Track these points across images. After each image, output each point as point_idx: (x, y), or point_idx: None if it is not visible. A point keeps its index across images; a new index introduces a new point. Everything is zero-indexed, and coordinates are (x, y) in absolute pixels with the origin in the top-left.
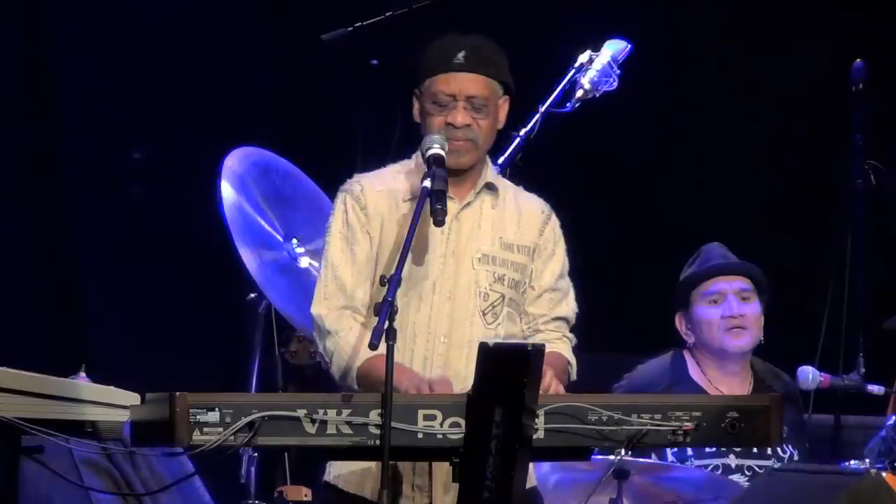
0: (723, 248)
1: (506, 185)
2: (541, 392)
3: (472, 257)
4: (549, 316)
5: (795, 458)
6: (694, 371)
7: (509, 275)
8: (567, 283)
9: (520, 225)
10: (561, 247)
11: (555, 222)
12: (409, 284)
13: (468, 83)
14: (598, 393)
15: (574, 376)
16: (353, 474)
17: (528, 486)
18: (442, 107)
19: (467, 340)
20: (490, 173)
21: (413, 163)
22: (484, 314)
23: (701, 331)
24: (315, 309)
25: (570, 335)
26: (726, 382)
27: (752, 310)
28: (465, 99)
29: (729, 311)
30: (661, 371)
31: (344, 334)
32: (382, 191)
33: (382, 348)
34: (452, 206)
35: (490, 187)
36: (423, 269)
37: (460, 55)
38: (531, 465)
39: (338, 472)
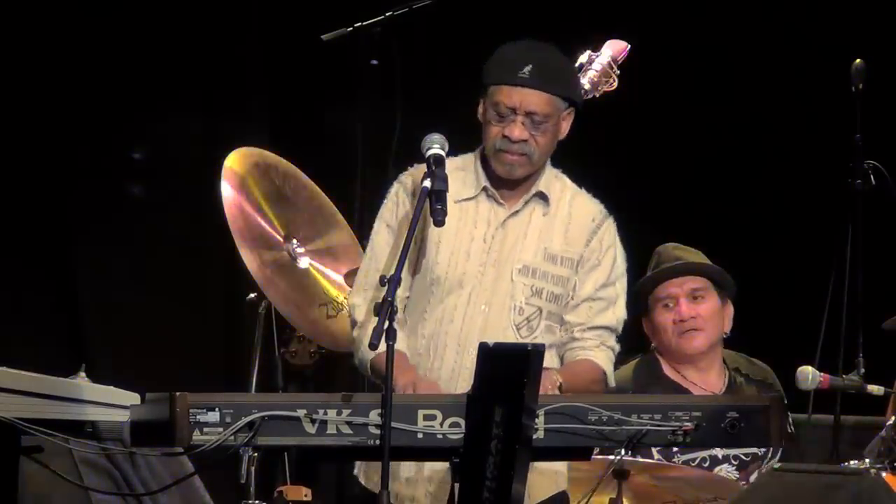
0: (677, 248)
1: (564, 188)
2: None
3: (513, 268)
4: (588, 324)
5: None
6: (668, 370)
7: (549, 288)
8: (615, 292)
9: (567, 235)
10: (610, 255)
11: (606, 230)
12: (444, 290)
13: (530, 99)
14: None
15: (612, 383)
16: (376, 471)
17: (556, 490)
18: (502, 117)
19: None
20: (544, 181)
21: (473, 160)
22: (518, 328)
23: (658, 335)
24: (352, 298)
25: (613, 344)
26: (699, 378)
27: (707, 308)
28: (524, 114)
29: (679, 314)
30: (631, 374)
31: (367, 326)
32: None
33: (372, 350)
34: (501, 213)
35: (541, 196)
36: (461, 276)
37: (526, 69)
38: (563, 467)
39: (363, 467)
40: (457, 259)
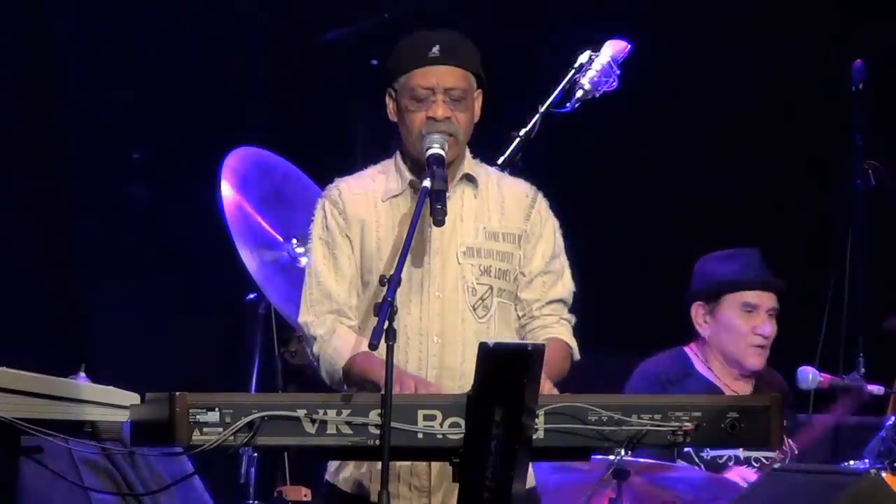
0: (760, 257)
1: (488, 172)
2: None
3: (458, 251)
4: (544, 300)
5: (795, 452)
6: (700, 366)
7: (496, 265)
8: (561, 264)
9: (504, 212)
10: (550, 227)
11: (541, 204)
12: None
13: (445, 76)
14: (598, 393)
15: (577, 356)
16: (354, 475)
17: (526, 486)
18: (420, 101)
19: (460, 338)
20: (468, 164)
21: (392, 163)
22: (474, 309)
23: (725, 334)
24: (302, 317)
25: (569, 316)
26: (731, 380)
27: (775, 330)
28: (443, 92)
29: (762, 329)
30: (666, 366)
31: (329, 337)
32: (360, 194)
33: (358, 346)
34: None
35: (469, 178)
36: (409, 270)
37: (435, 49)
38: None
39: (338, 471)
40: (398, 254)
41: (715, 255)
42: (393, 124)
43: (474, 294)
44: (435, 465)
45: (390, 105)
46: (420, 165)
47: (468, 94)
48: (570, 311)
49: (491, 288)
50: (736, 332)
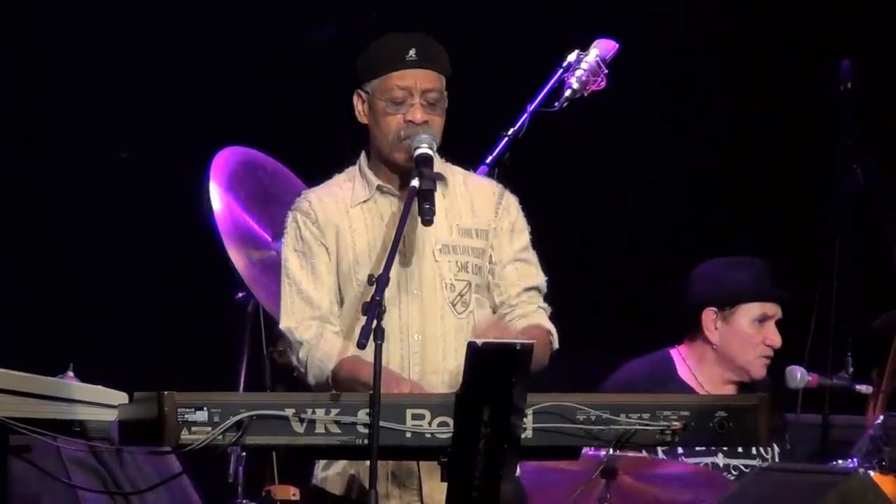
0: (769, 267)
1: (453, 171)
2: None
3: (433, 249)
4: (520, 286)
5: (776, 458)
6: (683, 371)
7: (472, 261)
8: (532, 255)
9: (473, 209)
10: (520, 222)
11: (509, 200)
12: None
13: (423, 78)
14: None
15: (556, 345)
16: (338, 476)
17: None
18: (398, 104)
19: (441, 335)
20: (437, 164)
21: (357, 169)
22: (453, 305)
23: (736, 343)
24: (284, 324)
25: (545, 304)
26: (718, 386)
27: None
28: (420, 94)
29: (773, 342)
30: (648, 370)
31: (316, 342)
32: (330, 202)
33: (346, 350)
34: (401, 204)
35: (438, 178)
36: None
37: (411, 52)
38: None
39: (323, 474)
40: (376, 256)
41: (724, 261)
42: (362, 126)
43: (453, 290)
44: (424, 464)
45: (360, 107)
46: (393, 167)
47: (443, 96)
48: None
49: (469, 283)
50: (748, 341)
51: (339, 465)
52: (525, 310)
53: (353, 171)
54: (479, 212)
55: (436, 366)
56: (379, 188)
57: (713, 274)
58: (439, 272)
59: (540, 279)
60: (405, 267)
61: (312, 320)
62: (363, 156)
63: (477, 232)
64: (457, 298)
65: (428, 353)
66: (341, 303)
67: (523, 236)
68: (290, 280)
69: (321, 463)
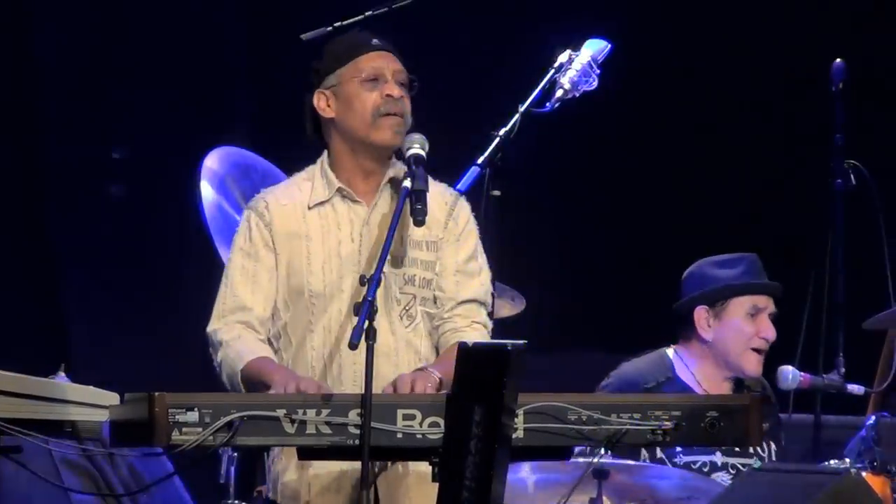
0: (759, 261)
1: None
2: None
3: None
4: (456, 299)
5: (773, 457)
6: (681, 370)
7: (420, 274)
8: (478, 266)
9: (427, 221)
10: (468, 232)
11: (461, 209)
12: (326, 299)
13: (392, 61)
14: (581, 392)
15: None
16: (288, 485)
17: None
18: (373, 81)
19: (394, 348)
20: (392, 170)
21: (318, 167)
22: (400, 318)
23: (730, 338)
24: (210, 326)
25: (485, 319)
26: (716, 384)
27: (775, 334)
28: (392, 74)
29: (766, 333)
30: (647, 369)
31: (232, 342)
32: (288, 205)
33: (260, 351)
34: (360, 210)
35: (393, 183)
36: (338, 281)
37: (375, 40)
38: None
39: (273, 486)
40: (330, 266)
41: (713, 260)
42: (325, 121)
43: (398, 304)
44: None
45: (323, 103)
46: (369, 152)
47: (406, 86)
48: (489, 314)
49: (414, 297)
50: (741, 334)
51: (289, 474)
52: (457, 324)
53: (313, 169)
54: (431, 223)
55: (386, 379)
56: (339, 190)
57: (702, 273)
58: (388, 285)
59: (482, 291)
60: (355, 279)
61: (238, 323)
62: (325, 154)
63: (427, 244)
64: (402, 312)
65: (379, 366)
66: (288, 311)
67: (468, 245)
68: (227, 282)
69: (275, 474)
